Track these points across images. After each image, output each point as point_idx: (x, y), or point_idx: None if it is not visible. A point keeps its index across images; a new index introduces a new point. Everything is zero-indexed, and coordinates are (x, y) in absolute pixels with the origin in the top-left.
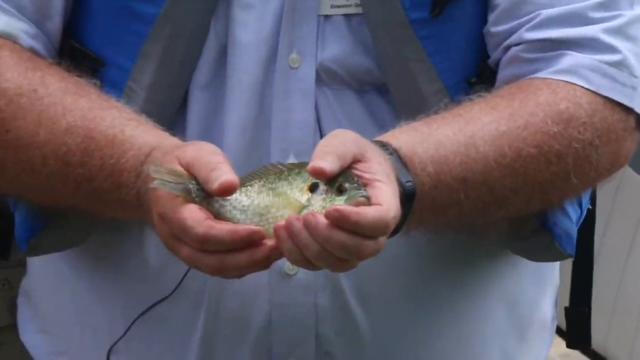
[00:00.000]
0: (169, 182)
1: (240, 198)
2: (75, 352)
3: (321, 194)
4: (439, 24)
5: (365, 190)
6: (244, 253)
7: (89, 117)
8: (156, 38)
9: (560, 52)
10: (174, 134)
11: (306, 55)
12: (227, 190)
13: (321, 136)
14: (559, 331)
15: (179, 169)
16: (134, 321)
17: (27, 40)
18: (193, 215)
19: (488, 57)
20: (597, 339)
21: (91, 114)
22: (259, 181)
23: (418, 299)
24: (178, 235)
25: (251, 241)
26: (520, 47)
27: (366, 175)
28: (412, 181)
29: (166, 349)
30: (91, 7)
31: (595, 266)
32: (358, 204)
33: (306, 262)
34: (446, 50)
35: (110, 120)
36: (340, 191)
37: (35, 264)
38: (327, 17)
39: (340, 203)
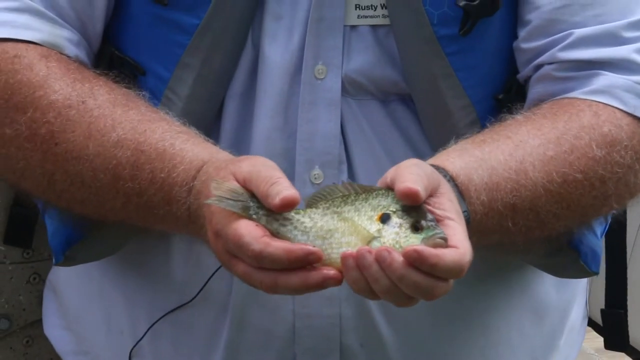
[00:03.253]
0: (228, 199)
1: (302, 219)
2: (100, 353)
3: (394, 227)
4: (467, 40)
5: (442, 231)
6: (297, 275)
7: (138, 129)
8: (196, 49)
9: (593, 71)
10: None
11: (332, 66)
12: (289, 205)
13: (346, 147)
14: (595, 326)
15: (239, 187)
16: (152, 324)
17: (72, 49)
18: (250, 232)
19: (515, 72)
20: (635, 335)
21: (141, 126)
22: (324, 203)
23: (443, 309)
24: (234, 252)
25: (307, 262)
26: (552, 66)
27: (438, 212)
28: (467, 211)
29: (190, 355)
30: (131, 15)
31: (632, 265)
32: (436, 245)
33: (371, 293)
34: (473, 66)
35: (160, 133)
36: (416, 228)
37: None
38: (353, 27)
39: (415, 242)
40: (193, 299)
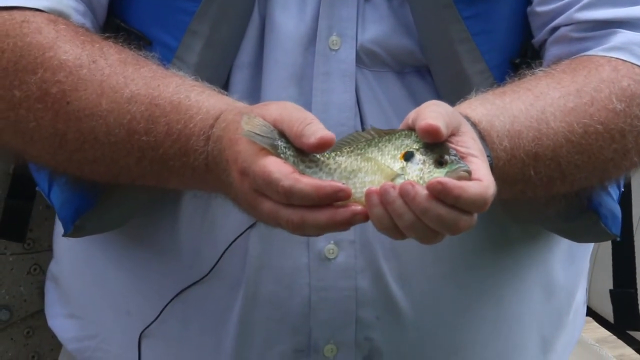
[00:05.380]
0: (258, 134)
1: (327, 161)
2: (107, 336)
3: (417, 164)
4: (483, 4)
5: (465, 164)
6: (325, 212)
7: (151, 85)
8: (204, 15)
9: (610, 30)
10: None
11: (346, 37)
12: (325, 145)
13: (361, 118)
14: (596, 316)
15: (269, 124)
16: (165, 306)
17: (78, 18)
18: (280, 168)
19: (531, 37)
20: None
21: (154, 82)
22: (349, 147)
23: (459, 281)
24: (261, 189)
25: (336, 199)
26: (569, 27)
27: (461, 149)
28: (490, 156)
29: (201, 332)
30: None
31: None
32: (460, 178)
33: (395, 230)
34: (490, 31)
35: (174, 87)
36: (440, 163)
37: (64, 248)
38: None
39: (439, 175)
40: (206, 275)
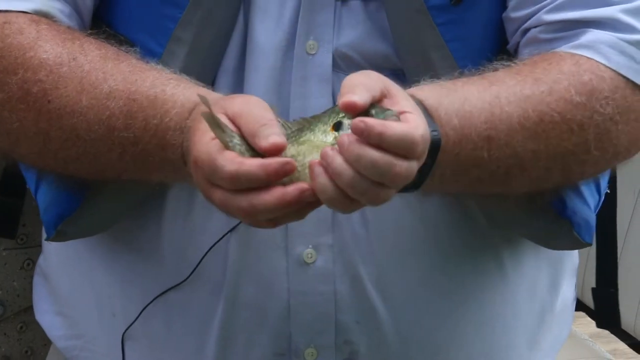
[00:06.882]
0: (213, 122)
1: None
2: (93, 336)
3: (348, 129)
4: (458, 11)
5: (392, 110)
6: (273, 193)
7: (130, 80)
8: (188, 22)
9: (579, 30)
10: None
11: (323, 42)
12: (277, 151)
13: None
14: (589, 311)
15: (226, 123)
16: (146, 306)
17: (63, 20)
18: (223, 154)
19: (506, 43)
20: (628, 320)
21: (132, 77)
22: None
23: (438, 284)
24: (212, 179)
25: (284, 172)
26: (539, 28)
27: (393, 109)
28: (437, 131)
29: (184, 335)
30: None
31: (624, 247)
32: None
33: (340, 197)
34: (464, 37)
35: (151, 81)
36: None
37: (52, 246)
38: (344, 2)
39: None
40: (186, 278)
